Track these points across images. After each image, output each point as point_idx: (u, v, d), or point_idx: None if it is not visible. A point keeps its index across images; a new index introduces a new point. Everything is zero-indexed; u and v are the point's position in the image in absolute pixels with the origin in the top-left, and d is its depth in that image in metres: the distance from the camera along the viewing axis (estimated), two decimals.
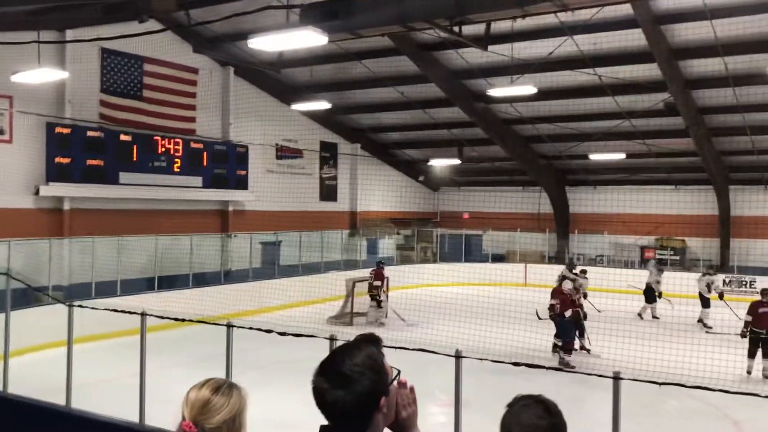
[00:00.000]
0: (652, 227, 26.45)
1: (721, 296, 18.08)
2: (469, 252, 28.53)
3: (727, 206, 25.29)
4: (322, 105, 20.78)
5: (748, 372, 12.28)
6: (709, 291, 18.33)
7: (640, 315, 19.31)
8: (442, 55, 20.62)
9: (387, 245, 27.98)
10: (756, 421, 9.27)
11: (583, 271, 19.26)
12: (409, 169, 30.66)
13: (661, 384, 5.10)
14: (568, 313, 13.37)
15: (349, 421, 1.94)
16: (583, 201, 28.51)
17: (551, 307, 13.65)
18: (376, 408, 1.96)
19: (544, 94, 20.49)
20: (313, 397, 1.97)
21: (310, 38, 11.64)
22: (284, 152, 23.92)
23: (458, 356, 5.18)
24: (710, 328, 17.41)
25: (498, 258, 28.42)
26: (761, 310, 12.51)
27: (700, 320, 18.18)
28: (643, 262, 26.04)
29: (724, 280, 23.39)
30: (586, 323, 14.09)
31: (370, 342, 2.06)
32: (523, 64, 18.44)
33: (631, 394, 10.10)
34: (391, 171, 29.99)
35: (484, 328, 13.06)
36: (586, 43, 18.18)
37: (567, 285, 14.19)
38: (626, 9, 16.12)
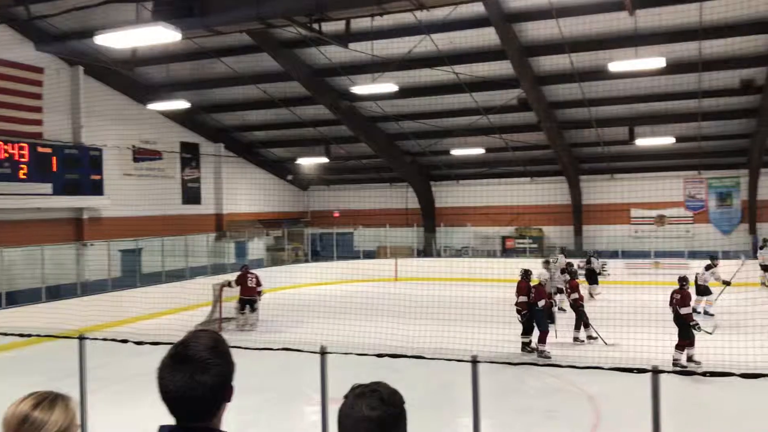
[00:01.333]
0: (512, 218, 27.72)
1: (727, 283, 17.26)
2: (341, 250, 28.62)
3: (579, 195, 26.98)
4: (180, 104, 20.04)
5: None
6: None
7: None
8: (304, 53, 20.49)
9: (256, 247, 27.47)
10: (608, 394, 9.88)
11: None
12: (276, 169, 30.28)
13: (516, 364, 5.26)
14: (541, 303, 13.44)
15: (196, 414, 1.90)
16: (448, 195, 29.45)
17: (521, 304, 13.50)
18: (225, 399, 1.97)
19: (405, 92, 20.89)
20: (159, 389, 1.92)
21: (163, 35, 11.18)
22: (142, 154, 22.82)
23: (323, 352, 5.12)
24: (713, 316, 16.82)
25: (369, 254, 28.72)
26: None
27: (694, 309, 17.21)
28: (505, 252, 27.28)
29: (579, 265, 24.94)
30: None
31: (212, 334, 2.05)
32: (384, 62, 18.71)
33: (493, 375, 10.55)
34: (257, 171, 29.48)
35: (356, 323, 13.12)
36: (443, 41, 18.70)
37: (544, 276, 14.85)
38: (479, 8, 16.74)
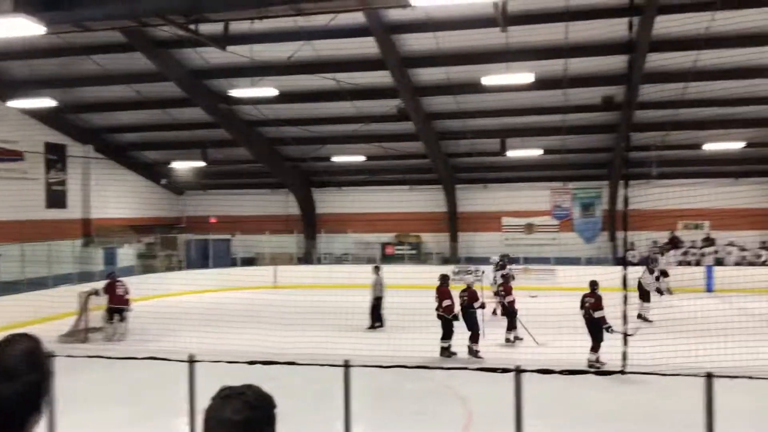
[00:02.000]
0: (391, 225, 28.16)
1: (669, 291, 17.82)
2: (218, 257, 27.94)
3: (454, 203, 27.84)
4: (45, 102, 18.85)
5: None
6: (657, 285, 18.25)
7: (639, 316, 17.83)
8: (181, 54, 19.90)
9: (127, 254, 26.25)
10: (480, 395, 10.23)
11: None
12: (150, 172, 29.13)
13: (387, 367, 5.36)
14: (477, 305, 13.80)
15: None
16: (329, 202, 29.52)
17: (446, 309, 13.46)
18: (33, 415, 1.78)
19: (286, 97, 20.76)
20: None
21: (25, 27, 10.49)
22: (0, 155, 21.27)
23: (191, 361, 4.98)
24: (651, 322, 17.37)
25: (247, 261, 28.21)
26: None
27: (639, 316, 17.71)
28: (385, 258, 27.64)
29: (454, 270, 25.75)
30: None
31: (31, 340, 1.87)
32: (264, 66, 18.51)
33: (371, 380, 10.65)
34: (130, 174, 28.24)
35: (231, 332, 12.84)
36: (324, 48, 18.76)
37: (468, 279, 15.10)
38: (360, 18, 16.93)
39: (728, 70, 18.45)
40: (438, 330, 13.64)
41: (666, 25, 16.46)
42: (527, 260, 26.08)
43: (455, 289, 14.33)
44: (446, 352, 13.21)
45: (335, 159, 26.19)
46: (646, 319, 17.70)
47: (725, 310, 14.64)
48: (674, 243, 25.58)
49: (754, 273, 21.81)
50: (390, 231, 28.44)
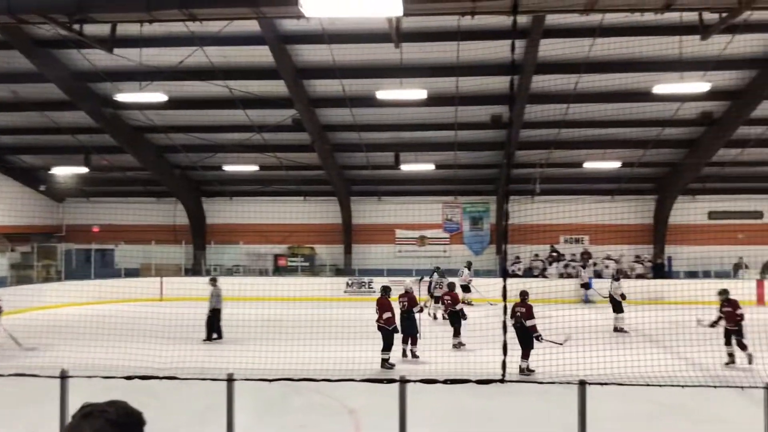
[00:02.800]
0: (284, 236, 27.89)
1: (623, 297, 17.99)
2: (101, 268, 26.65)
3: (349, 215, 27.93)
4: None
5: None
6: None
7: (615, 329, 17.93)
8: (63, 54, 18.95)
9: (0, 265, 24.58)
10: (369, 407, 10.26)
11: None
12: (26, 178, 27.46)
13: (271, 380, 5.29)
14: (416, 309, 14.26)
15: None
16: (220, 212, 28.86)
17: (387, 320, 13.27)
18: None
19: (176, 103, 20.20)
20: None
21: None
22: None
23: (63, 377, 4.72)
24: (627, 332, 17.40)
25: (132, 273, 27.08)
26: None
27: (615, 329, 17.82)
28: (277, 270, 27.32)
29: (347, 282, 25.86)
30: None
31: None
32: (152, 70, 17.91)
33: (257, 394, 10.48)
34: (4, 180, 26.50)
35: (112, 346, 12.26)
36: (216, 55, 18.41)
37: (408, 284, 15.03)
38: (254, 26, 16.75)
39: (606, 94, 19.58)
40: (320, 342, 13.59)
41: (550, 48, 17.31)
42: (419, 272, 26.51)
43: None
44: (386, 363, 13.17)
45: (227, 168, 25.70)
46: (622, 330, 17.78)
47: (599, 321, 15.45)
48: (555, 256, 26.77)
49: (629, 285, 23.21)
50: (283, 242, 28.16)
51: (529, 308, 12.79)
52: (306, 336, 14.35)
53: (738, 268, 25.56)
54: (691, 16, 14.72)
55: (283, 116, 21.68)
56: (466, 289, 22.52)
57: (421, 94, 17.83)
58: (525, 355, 12.52)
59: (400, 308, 14.17)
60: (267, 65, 18.84)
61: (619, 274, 21.16)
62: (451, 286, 16.55)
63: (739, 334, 12.94)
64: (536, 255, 26.67)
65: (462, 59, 18.22)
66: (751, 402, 5.41)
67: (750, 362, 12.58)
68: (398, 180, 26.85)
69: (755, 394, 5.54)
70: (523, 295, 13.26)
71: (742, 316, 13.14)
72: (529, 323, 12.56)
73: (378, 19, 15.16)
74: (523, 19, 16.31)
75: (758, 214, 26.63)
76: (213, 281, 17.36)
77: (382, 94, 17.96)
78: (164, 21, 13.48)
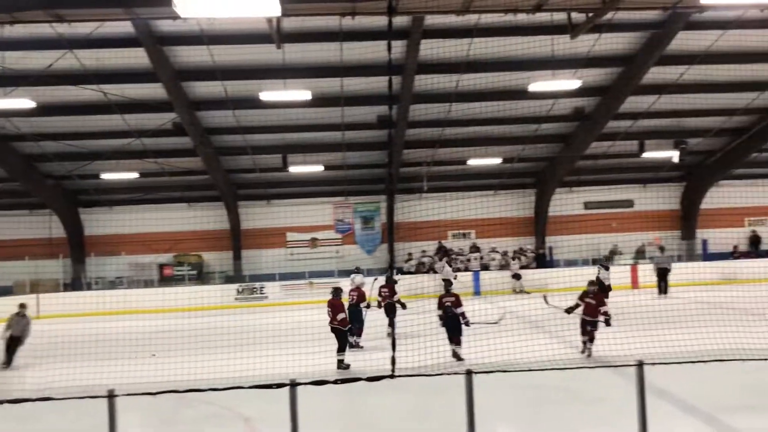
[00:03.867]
0: (170, 245, 26.93)
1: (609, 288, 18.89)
2: None
3: (237, 220, 27.35)
4: None
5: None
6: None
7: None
8: None
9: None
10: (264, 413, 10.07)
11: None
12: None
13: (155, 394, 5.07)
14: (363, 304, 14.93)
15: None
16: (99, 222, 27.47)
17: (341, 322, 13.01)
18: None
19: (45, 110, 19.12)
20: None
21: None
22: None
23: None
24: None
25: (4, 291, 25.28)
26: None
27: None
28: (163, 280, 26.35)
29: (238, 289, 25.38)
30: None
31: None
32: (18, 75, 16.80)
33: (147, 409, 10.04)
34: None
35: None
36: (89, 57, 17.52)
37: (358, 279, 15.65)
38: (128, 27, 16.09)
39: (485, 93, 20.25)
40: (210, 352, 13.22)
41: (431, 48, 17.66)
42: (312, 274, 26.39)
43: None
44: (342, 364, 12.99)
45: (105, 176, 24.54)
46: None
47: (489, 310, 15.93)
48: (443, 252, 27.34)
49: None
50: (168, 251, 27.17)
51: (457, 297, 13.41)
52: (195, 346, 13.91)
53: (613, 254, 27.11)
54: (561, 17, 15.46)
55: (162, 120, 20.93)
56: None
57: (306, 95, 17.75)
58: (457, 342, 13.03)
59: (349, 302, 14.61)
60: (144, 68, 18.14)
61: (607, 262, 22.04)
62: (390, 280, 16.68)
63: (594, 326, 13.01)
64: (424, 251, 27.20)
65: (346, 60, 18.28)
66: (628, 381, 5.74)
67: (589, 354, 12.92)
68: (287, 182, 26.60)
69: (629, 372, 5.87)
70: (448, 285, 13.75)
71: (606, 314, 13.05)
72: (459, 310, 13.16)
73: (258, 20, 14.95)
74: (403, 20, 16.57)
75: (629, 203, 28.36)
76: (22, 307, 14.89)
77: (265, 96, 17.73)
78: (28, 22, 12.74)
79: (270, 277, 26.39)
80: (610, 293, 18.62)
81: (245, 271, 27.22)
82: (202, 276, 27.00)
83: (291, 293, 25.26)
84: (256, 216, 27.64)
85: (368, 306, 15.12)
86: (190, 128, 21.13)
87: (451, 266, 25.59)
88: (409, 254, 26.87)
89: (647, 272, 24.86)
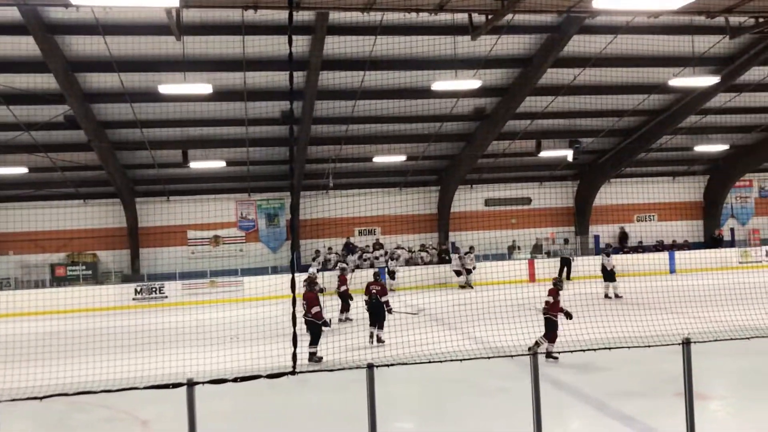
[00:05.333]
0: (62, 243, 25.67)
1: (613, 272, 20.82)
2: None
3: (135, 217, 26.36)
4: None
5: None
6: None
7: (606, 295, 20.44)
8: None
9: None
10: (162, 415, 9.79)
11: None
12: None
13: (42, 398, 4.82)
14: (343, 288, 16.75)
15: None
16: None
17: (316, 315, 13.13)
18: None
19: None
20: None
21: None
22: None
23: None
24: (621, 297, 19.91)
25: None
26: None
27: (607, 295, 20.33)
28: (55, 280, 25.10)
29: (136, 289, 24.50)
30: None
31: None
32: None
33: (37, 417, 9.55)
34: None
35: None
36: None
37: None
38: (15, 13, 15.20)
39: (390, 91, 20.45)
40: (106, 354, 12.73)
41: (336, 45, 17.67)
42: (214, 273, 25.84)
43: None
44: (314, 357, 12.98)
45: None
46: (616, 296, 20.30)
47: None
48: (349, 248, 27.42)
49: (419, 272, 24.59)
50: (61, 250, 25.86)
51: (383, 286, 15.12)
52: (90, 349, 13.33)
53: (512, 249, 28.05)
54: (462, 17, 15.78)
55: (54, 113, 19.85)
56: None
57: (207, 88, 17.32)
58: (381, 326, 14.38)
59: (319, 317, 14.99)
60: (33, 57, 17.14)
61: (608, 248, 23.07)
62: (343, 270, 18.88)
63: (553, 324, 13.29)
64: (330, 248, 27.18)
65: (249, 54, 17.95)
66: (526, 371, 5.96)
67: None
68: (188, 178, 25.89)
69: (526, 362, 6.09)
70: (376, 275, 15.95)
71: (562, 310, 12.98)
72: (384, 299, 14.63)
73: (157, 11, 14.48)
74: (308, 16, 16.46)
75: (527, 200, 29.39)
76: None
77: (164, 89, 17.16)
78: None
79: (170, 277, 25.61)
80: (618, 279, 20.85)
81: (144, 270, 26.31)
82: (97, 276, 25.87)
83: (192, 293, 24.63)
84: (155, 213, 26.73)
85: (321, 291, 15.75)
86: (84, 121, 20.18)
87: (359, 262, 25.81)
88: (316, 251, 26.76)
89: (545, 266, 25.96)
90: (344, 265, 21.51)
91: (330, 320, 13.59)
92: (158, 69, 18.19)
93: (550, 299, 12.55)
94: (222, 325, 14.18)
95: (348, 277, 18.96)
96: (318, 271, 21.33)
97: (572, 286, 22.50)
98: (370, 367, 5.38)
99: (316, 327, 13.09)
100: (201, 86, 17.47)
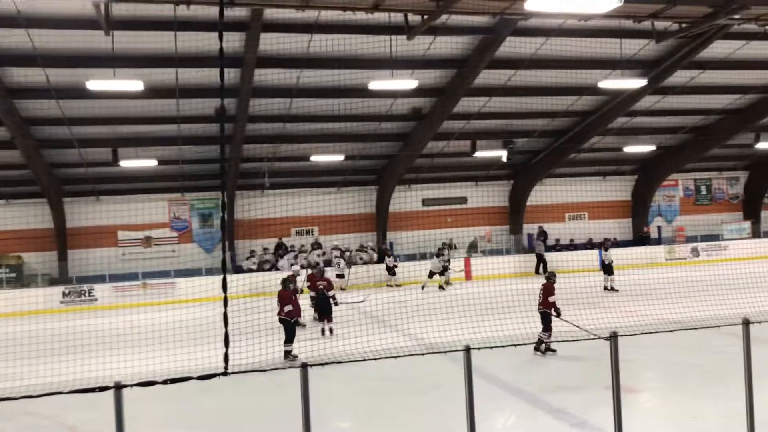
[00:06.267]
0: None
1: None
2: None
3: (63, 218, 25.44)
4: None
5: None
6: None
7: (605, 287, 21.34)
8: None
9: None
10: (90, 422, 9.48)
11: None
12: None
13: None
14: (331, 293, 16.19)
15: None
16: None
17: (288, 313, 13.24)
18: None
19: None
20: None
21: None
22: None
23: None
24: (617, 291, 20.86)
25: None
26: None
27: (606, 287, 21.22)
28: None
29: (64, 292, 23.67)
30: None
31: None
32: None
33: None
34: None
35: None
36: None
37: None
38: None
39: (327, 89, 20.35)
40: (29, 359, 12.26)
41: (271, 42, 17.45)
42: (146, 275, 25.18)
43: None
44: (289, 355, 12.81)
45: None
46: (613, 289, 21.22)
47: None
48: (282, 248, 27.12)
49: (357, 271, 24.58)
50: None
51: (329, 281, 16.52)
52: (13, 353, 12.79)
53: (449, 248, 28.33)
54: (398, 17, 15.84)
55: None
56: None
57: (138, 85, 16.83)
58: (329, 319, 15.36)
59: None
60: None
61: (607, 242, 23.65)
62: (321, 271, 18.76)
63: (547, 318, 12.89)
64: (265, 249, 26.89)
65: (181, 50, 17.52)
66: (461, 367, 6.00)
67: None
68: (118, 177, 25.11)
69: (460, 358, 6.14)
70: (321, 271, 17.40)
71: (554, 306, 12.83)
72: (330, 293, 15.86)
73: (84, 4, 14.00)
74: (242, 12, 16.22)
75: (463, 200, 29.74)
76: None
77: (93, 85, 16.60)
78: None
79: (100, 279, 24.84)
80: (615, 273, 21.72)
81: (72, 272, 25.41)
82: (22, 279, 24.85)
83: (123, 295, 23.95)
84: (84, 213, 25.85)
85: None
86: (6, 118, 19.35)
87: (294, 261, 25.59)
88: (251, 251, 26.42)
89: (479, 265, 26.32)
90: (320, 265, 21.34)
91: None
92: (86, 64, 17.56)
93: (554, 298, 12.60)
94: (154, 327, 13.79)
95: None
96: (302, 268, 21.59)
97: (507, 283, 22.91)
98: (304, 366, 5.32)
99: (289, 325, 13.13)
100: (131, 83, 16.97)
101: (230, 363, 5.95)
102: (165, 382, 5.07)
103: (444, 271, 24.78)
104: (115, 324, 18.08)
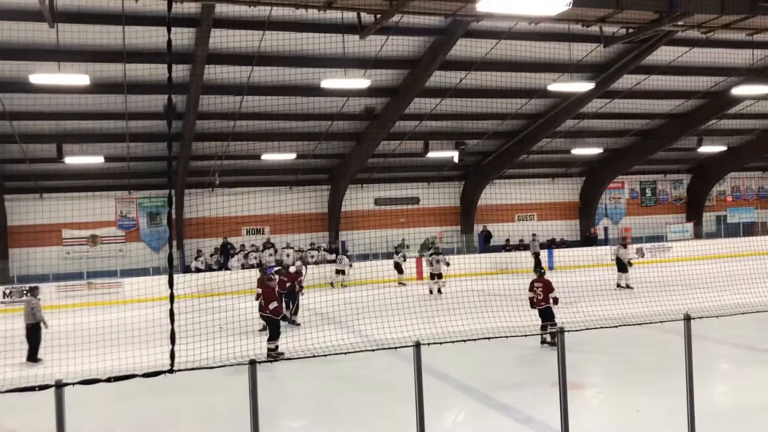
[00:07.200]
0: None
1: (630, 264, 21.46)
2: None
3: (4, 216, 24.65)
4: None
5: None
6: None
7: (618, 285, 21.13)
8: None
9: None
10: (30, 423, 9.21)
11: None
12: None
13: None
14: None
15: None
16: None
17: (274, 311, 12.97)
18: None
19: None
20: None
21: None
22: None
23: None
24: (632, 288, 20.48)
25: None
26: None
27: (619, 285, 21.03)
28: None
29: (5, 292, 22.89)
30: None
31: None
32: None
33: None
34: None
35: None
36: None
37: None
38: None
39: (279, 87, 20.21)
40: None
41: (222, 38, 17.24)
42: (91, 274, 24.55)
43: None
44: (273, 352, 12.51)
45: None
46: (628, 286, 20.92)
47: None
48: (230, 248, 26.76)
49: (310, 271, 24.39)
50: None
51: (292, 273, 17.17)
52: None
53: (401, 248, 28.42)
54: (351, 16, 15.83)
55: None
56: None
57: (83, 79, 16.39)
58: (295, 311, 16.27)
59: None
60: None
61: (624, 240, 23.90)
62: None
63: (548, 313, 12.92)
64: (216, 249, 26.55)
65: (129, 45, 17.18)
66: (411, 365, 6.01)
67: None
68: (63, 174, 24.47)
69: (410, 356, 6.15)
70: (286, 267, 17.91)
71: (555, 300, 12.96)
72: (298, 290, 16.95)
73: None
74: (192, 8, 15.97)
75: (415, 200, 29.90)
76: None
77: (36, 78, 16.11)
78: None
79: (43, 278, 24.06)
80: (630, 269, 21.57)
81: (14, 272, 24.61)
82: None
83: (68, 295, 23.28)
84: (27, 211, 25.04)
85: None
86: None
87: (244, 261, 25.31)
88: (198, 251, 26.01)
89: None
90: (300, 263, 20.77)
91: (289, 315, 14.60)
92: (29, 57, 17.08)
93: (556, 294, 12.77)
94: (99, 328, 13.45)
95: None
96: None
97: (454, 282, 23.12)
98: (252, 363, 5.25)
99: (274, 323, 12.99)
100: (77, 77, 16.53)
101: (177, 361, 5.84)
102: (109, 380, 4.94)
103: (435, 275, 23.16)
104: (57, 325, 17.55)
